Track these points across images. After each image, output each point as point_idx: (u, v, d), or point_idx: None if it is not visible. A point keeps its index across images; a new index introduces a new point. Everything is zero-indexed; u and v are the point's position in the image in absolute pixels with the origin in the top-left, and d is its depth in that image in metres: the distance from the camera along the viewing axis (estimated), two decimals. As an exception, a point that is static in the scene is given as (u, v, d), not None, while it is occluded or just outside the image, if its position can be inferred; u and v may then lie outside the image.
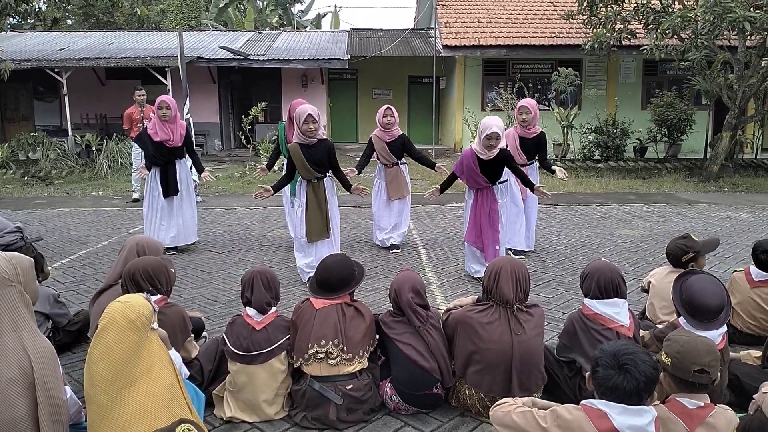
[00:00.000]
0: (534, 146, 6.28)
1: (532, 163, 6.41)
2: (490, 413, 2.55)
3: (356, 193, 5.61)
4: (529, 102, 6.25)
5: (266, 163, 6.80)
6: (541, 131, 6.31)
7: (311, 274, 5.14)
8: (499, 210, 5.44)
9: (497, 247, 5.41)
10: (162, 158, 6.46)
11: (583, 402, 2.25)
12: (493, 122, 5.10)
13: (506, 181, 5.67)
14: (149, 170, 6.56)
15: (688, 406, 2.38)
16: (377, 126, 6.76)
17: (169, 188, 6.55)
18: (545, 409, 2.35)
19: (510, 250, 6.21)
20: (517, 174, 5.55)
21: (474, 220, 5.45)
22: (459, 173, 5.45)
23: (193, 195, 6.95)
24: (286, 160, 5.60)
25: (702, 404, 2.39)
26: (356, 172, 6.48)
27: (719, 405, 2.48)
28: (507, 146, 5.41)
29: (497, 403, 2.56)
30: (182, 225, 6.73)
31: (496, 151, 5.19)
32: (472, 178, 5.35)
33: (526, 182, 5.64)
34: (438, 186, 5.86)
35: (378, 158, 6.82)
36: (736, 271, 4.30)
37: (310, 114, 5.11)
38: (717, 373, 2.39)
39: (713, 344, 2.43)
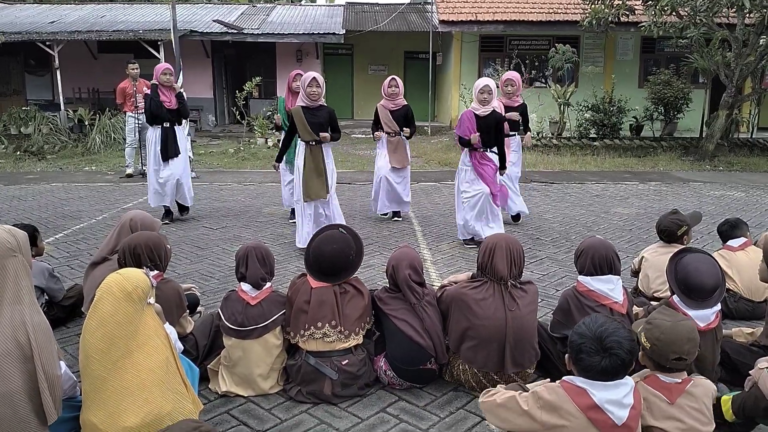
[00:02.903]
0: (518, 114, 6.68)
1: (515, 134, 6.77)
2: (479, 401, 2.53)
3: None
4: (513, 74, 6.81)
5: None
6: (524, 102, 6.78)
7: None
8: (495, 169, 5.87)
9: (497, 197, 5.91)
10: (161, 117, 6.71)
11: (564, 378, 2.26)
12: (485, 79, 5.83)
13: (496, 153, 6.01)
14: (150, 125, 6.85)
15: (667, 381, 2.42)
16: (383, 97, 6.95)
17: (169, 150, 6.79)
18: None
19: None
20: (500, 142, 5.90)
21: (479, 172, 5.84)
22: (461, 132, 5.85)
23: (188, 162, 7.22)
24: (285, 129, 5.92)
25: (680, 380, 2.43)
26: (382, 134, 6.92)
27: (696, 375, 2.51)
28: None
29: (484, 392, 2.53)
30: (183, 186, 6.96)
31: (490, 108, 5.72)
32: (468, 133, 5.74)
33: (502, 156, 5.98)
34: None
35: (381, 127, 6.95)
36: (716, 251, 4.43)
37: (314, 78, 5.50)
38: (694, 356, 2.41)
39: (694, 330, 2.43)
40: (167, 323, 2.76)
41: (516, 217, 7.06)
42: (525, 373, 3.22)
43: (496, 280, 3.15)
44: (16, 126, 14.72)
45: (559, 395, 2.20)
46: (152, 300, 2.44)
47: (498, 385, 2.64)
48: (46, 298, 3.88)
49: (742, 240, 4.37)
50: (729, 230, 4.44)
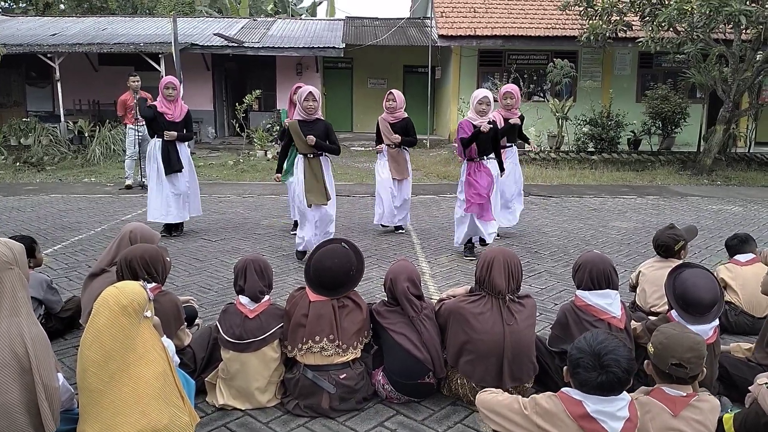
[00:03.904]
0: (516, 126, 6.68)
1: (512, 145, 6.83)
2: (477, 397, 2.59)
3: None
4: (512, 87, 6.78)
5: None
6: (522, 115, 6.79)
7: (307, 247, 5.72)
8: (492, 179, 5.92)
9: (491, 209, 5.94)
10: (160, 129, 6.69)
11: (562, 390, 2.31)
12: (483, 90, 5.93)
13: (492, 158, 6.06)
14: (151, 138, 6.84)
15: (671, 394, 2.42)
16: (384, 110, 7.06)
17: (172, 163, 6.71)
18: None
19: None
20: (497, 149, 6.01)
21: (471, 188, 5.88)
22: (463, 135, 5.90)
23: (194, 174, 7.12)
24: (284, 140, 6.01)
25: (684, 394, 2.43)
26: (383, 146, 7.03)
27: (702, 392, 2.51)
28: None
29: (484, 389, 2.62)
30: (190, 198, 6.93)
31: (487, 118, 5.74)
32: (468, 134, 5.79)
33: (500, 160, 6.08)
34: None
35: (382, 140, 7.04)
36: (720, 263, 4.48)
37: (311, 92, 5.59)
38: (698, 369, 2.41)
39: (701, 342, 2.44)
40: (165, 336, 2.76)
41: None
42: (523, 388, 3.22)
43: (494, 294, 3.15)
44: (16, 137, 14.77)
45: (555, 404, 2.27)
46: (149, 313, 2.43)
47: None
48: (44, 309, 3.88)
49: (750, 255, 4.36)
50: (738, 245, 4.44)
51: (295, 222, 6.65)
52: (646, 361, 2.53)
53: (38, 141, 14.11)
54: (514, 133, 6.74)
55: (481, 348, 3.09)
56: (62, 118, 15.16)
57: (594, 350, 2.18)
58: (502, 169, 6.08)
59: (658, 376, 2.46)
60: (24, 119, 15.56)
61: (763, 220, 8.14)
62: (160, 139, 6.69)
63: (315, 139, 5.58)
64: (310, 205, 5.71)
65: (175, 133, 6.67)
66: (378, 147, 7.01)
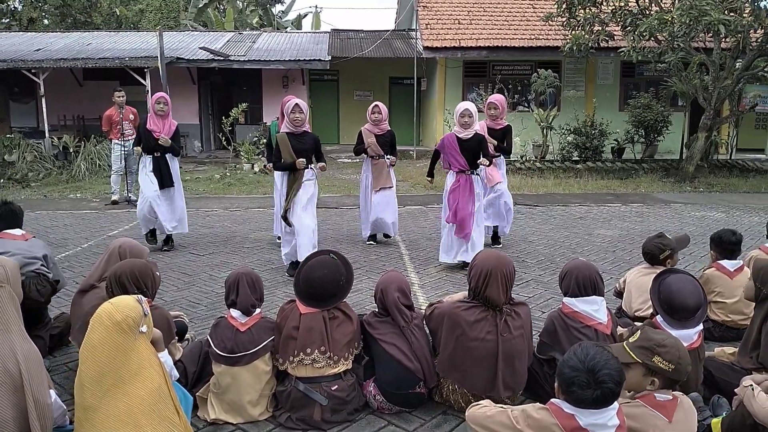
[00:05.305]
0: (501, 137, 6.75)
1: (499, 155, 6.85)
2: (466, 413, 2.59)
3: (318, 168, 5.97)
4: (497, 98, 6.85)
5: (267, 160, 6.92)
6: (508, 124, 6.82)
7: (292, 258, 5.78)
8: (476, 195, 5.92)
9: (472, 222, 5.90)
10: (150, 146, 6.71)
11: (552, 401, 2.30)
12: (465, 104, 5.89)
13: (480, 173, 6.06)
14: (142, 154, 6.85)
15: (661, 399, 2.47)
16: (367, 122, 7.12)
17: (164, 179, 6.74)
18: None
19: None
20: (486, 155, 5.91)
21: (452, 202, 5.89)
22: (440, 149, 6.01)
23: (182, 189, 7.12)
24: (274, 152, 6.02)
25: (671, 397, 2.48)
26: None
27: (677, 393, 2.57)
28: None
29: (473, 404, 2.61)
30: (179, 214, 6.96)
31: (472, 131, 5.79)
32: (453, 157, 5.87)
33: (488, 156, 5.94)
34: (427, 178, 6.64)
35: (366, 151, 7.08)
36: (705, 269, 4.39)
37: (297, 104, 5.62)
38: None
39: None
40: (164, 351, 2.75)
41: (495, 238, 7.10)
42: (514, 396, 3.24)
43: (491, 306, 3.15)
44: (0, 154, 14.64)
45: (547, 416, 2.26)
46: (145, 328, 2.43)
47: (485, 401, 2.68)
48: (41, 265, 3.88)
49: (739, 263, 4.21)
50: (733, 249, 4.18)
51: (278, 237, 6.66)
52: (641, 372, 2.56)
53: (22, 157, 13.99)
54: (502, 145, 6.75)
55: (474, 355, 3.11)
56: (47, 134, 15.04)
57: (587, 367, 2.16)
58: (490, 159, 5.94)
59: (664, 385, 2.48)
60: (8, 135, 15.42)
61: (746, 226, 8.26)
62: (150, 156, 6.70)
63: (305, 161, 5.63)
64: (287, 222, 5.68)
65: (169, 141, 6.69)
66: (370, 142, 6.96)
